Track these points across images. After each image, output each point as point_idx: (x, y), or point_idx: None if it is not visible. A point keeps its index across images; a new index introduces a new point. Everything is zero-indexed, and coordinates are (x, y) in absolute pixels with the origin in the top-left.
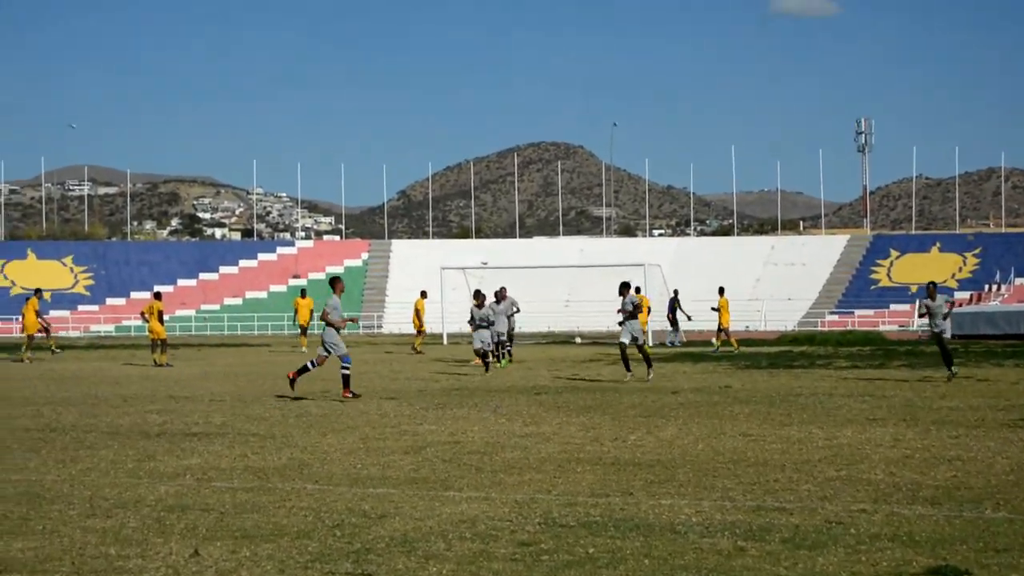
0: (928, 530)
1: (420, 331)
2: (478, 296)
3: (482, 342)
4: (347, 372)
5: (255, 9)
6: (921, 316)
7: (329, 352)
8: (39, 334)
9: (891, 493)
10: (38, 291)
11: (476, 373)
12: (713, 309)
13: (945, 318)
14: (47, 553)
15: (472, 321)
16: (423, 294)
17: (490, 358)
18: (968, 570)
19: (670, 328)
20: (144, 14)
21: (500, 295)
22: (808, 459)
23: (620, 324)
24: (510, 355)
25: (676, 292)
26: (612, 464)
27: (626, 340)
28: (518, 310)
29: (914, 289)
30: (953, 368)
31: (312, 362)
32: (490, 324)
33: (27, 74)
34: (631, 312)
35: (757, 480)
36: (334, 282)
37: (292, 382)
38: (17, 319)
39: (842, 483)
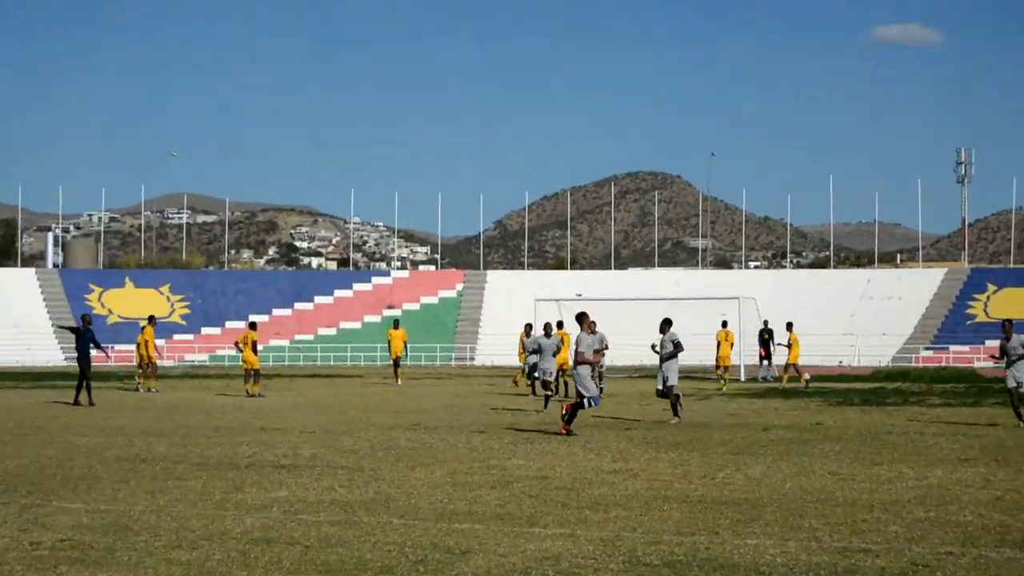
0: (1017, 574)
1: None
2: (547, 328)
3: (549, 374)
4: (582, 407)
5: (355, 42)
6: (997, 360)
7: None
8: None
9: (980, 536)
10: (151, 318)
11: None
12: (781, 345)
13: (1016, 361)
14: None
15: (540, 350)
16: (528, 327)
17: (551, 390)
18: None
19: (763, 362)
20: (245, 44)
21: (547, 330)
22: (897, 499)
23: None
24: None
25: (766, 323)
26: (699, 502)
27: (660, 385)
28: (607, 347)
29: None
30: (1019, 421)
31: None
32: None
33: (129, 102)
34: (671, 352)
35: (844, 520)
36: (581, 318)
37: (568, 430)
38: (113, 347)
39: (931, 524)
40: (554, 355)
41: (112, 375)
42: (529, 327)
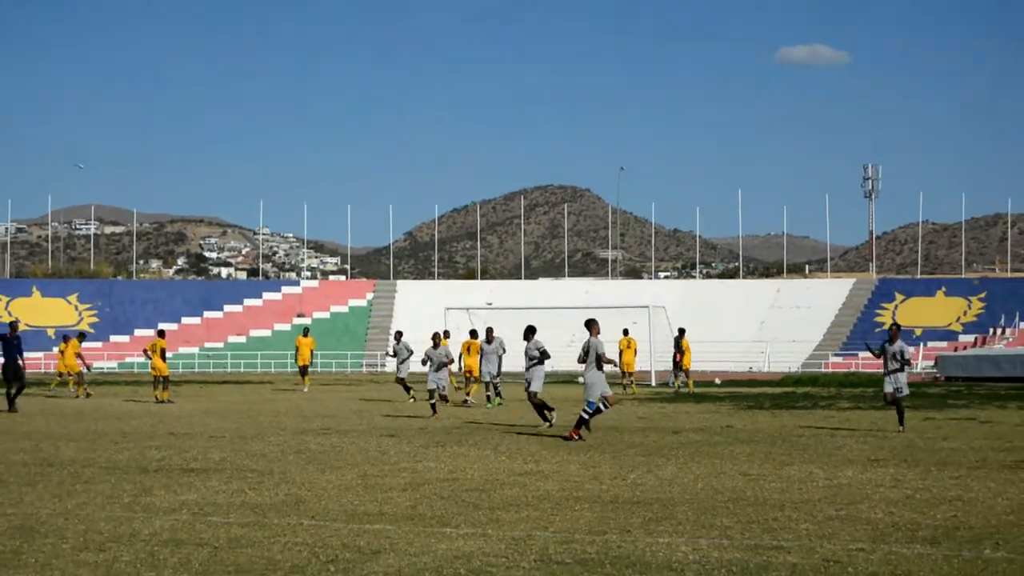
0: (926, 570)
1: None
2: (435, 338)
3: (436, 383)
4: (586, 416)
5: (261, 49)
6: (872, 352)
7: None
8: (84, 371)
9: (890, 533)
10: (82, 334)
11: (436, 414)
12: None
13: (902, 369)
14: None
15: (427, 361)
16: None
17: (436, 398)
18: None
19: (673, 368)
20: (151, 54)
21: (489, 334)
22: (808, 498)
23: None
24: (499, 395)
25: (682, 331)
26: (611, 502)
27: (525, 390)
28: (505, 351)
29: (919, 332)
30: (900, 427)
31: (598, 407)
32: (445, 365)
33: (34, 112)
34: (537, 360)
35: (756, 519)
36: (591, 324)
37: (581, 432)
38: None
39: (841, 522)
40: (441, 367)
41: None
42: (436, 337)
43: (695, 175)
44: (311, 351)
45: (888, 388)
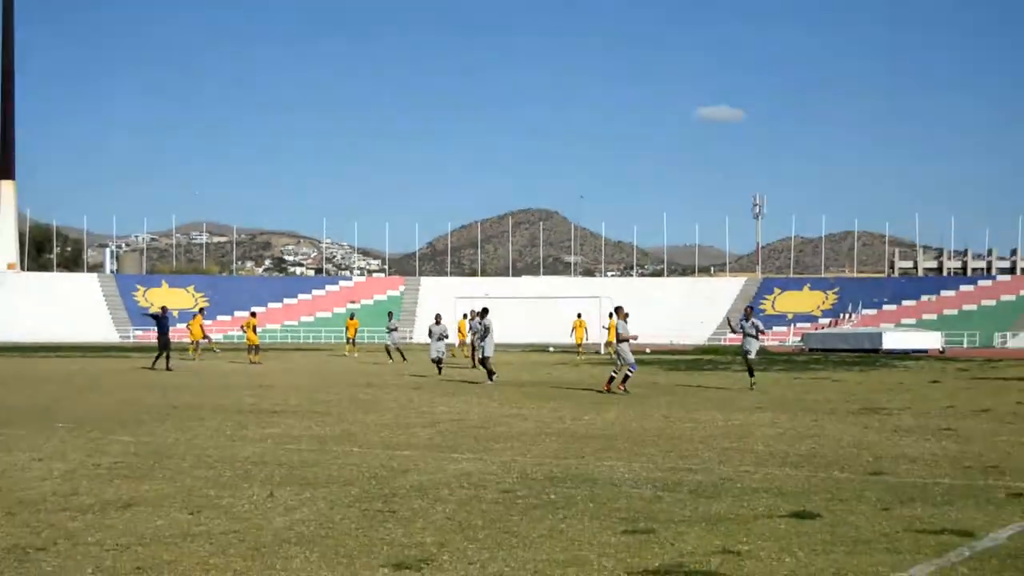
0: (793, 485)
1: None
2: (437, 317)
3: (438, 352)
4: (630, 375)
5: (327, 90)
6: (732, 331)
7: (620, 360)
8: (203, 340)
9: (768, 459)
10: (202, 310)
11: (430, 374)
12: (603, 328)
13: (756, 337)
14: (165, 493)
15: (431, 335)
16: (465, 315)
17: (443, 364)
18: (819, 513)
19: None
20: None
21: (484, 312)
22: (710, 434)
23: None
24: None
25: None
26: (571, 436)
27: (480, 355)
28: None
29: (791, 316)
30: (753, 381)
31: (615, 374)
32: (443, 338)
33: (164, 152)
34: (483, 333)
35: (673, 449)
36: (618, 310)
37: (611, 390)
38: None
39: (734, 452)
40: (441, 339)
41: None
42: (439, 317)
43: (634, 200)
44: (355, 328)
45: (745, 348)
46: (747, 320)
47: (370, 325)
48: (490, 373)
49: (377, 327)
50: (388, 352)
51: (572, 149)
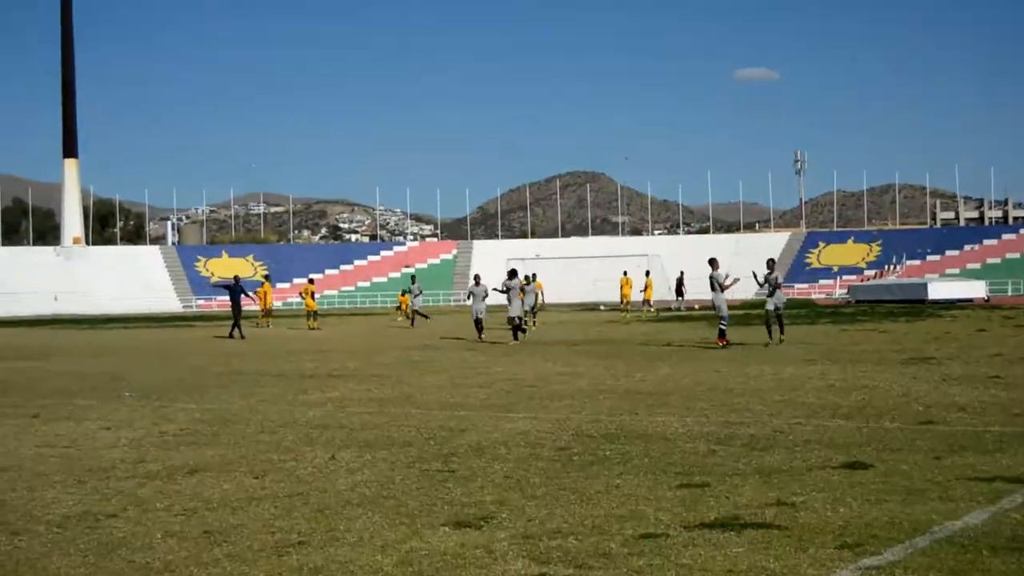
0: (844, 436)
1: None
2: (477, 279)
3: (478, 312)
4: (723, 328)
5: (375, 63)
6: (761, 286)
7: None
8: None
9: (818, 411)
10: (267, 276)
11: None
12: (640, 291)
13: (774, 291)
14: (230, 458)
15: (472, 296)
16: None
17: (522, 326)
18: (871, 464)
19: (676, 297)
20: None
21: (512, 274)
22: (761, 388)
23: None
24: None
25: (682, 273)
26: (624, 393)
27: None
28: (488, 293)
29: (836, 269)
30: (781, 336)
31: (721, 325)
32: (485, 297)
33: (222, 130)
34: (504, 291)
35: (725, 403)
36: (712, 261)
37: (726, 343)
38: (216, 299)
39: (784, 405)
40: (484, 299)
41: (207, 317)
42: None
43: (679, 160)
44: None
45: (770, 306)
46: (770, 272)
47: (430, 288)
48: (515, 330)
49: (432, 290)
50: (413, 316)
51: (616, 113)
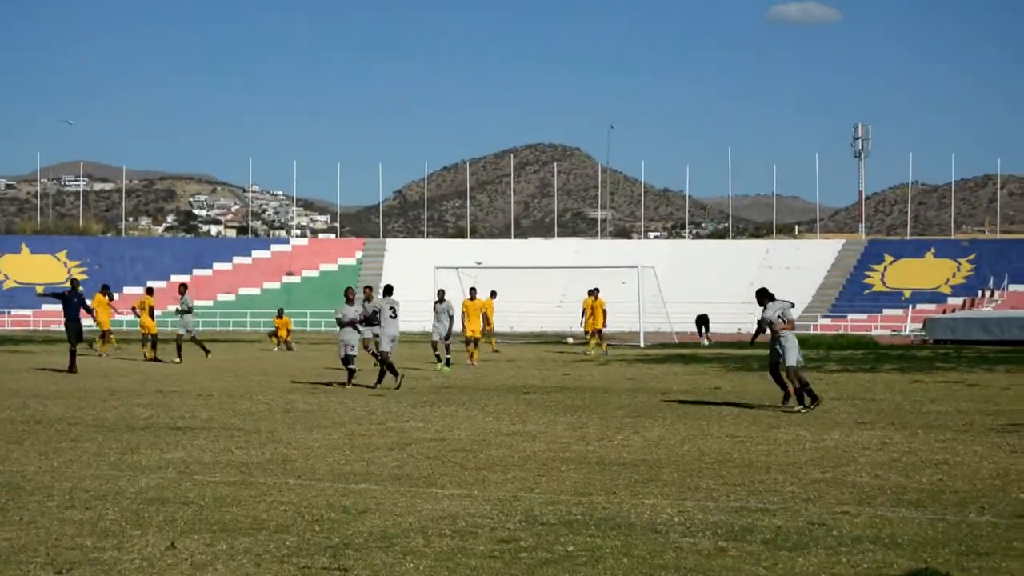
0: (911, 533)
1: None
2: (441, 295)
3: (439, 334)
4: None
5: (253, 6)
6: (761, 329)
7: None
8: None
9: (875, 496)
10: (106, 287)
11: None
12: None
13: (777, 340)
14: (23, 543)
15: (436, 313)
16: (493, 294)
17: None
18: (949, 573)
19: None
20: (142, 9)
21: (441, 295)
22: (794, 461)
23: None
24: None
25: (706, 317)
26: (597, 463)
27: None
28: (453, 314)
29: (907, 294)
30: (808, 405)
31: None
32: (451, 318)
33: (21, 68)
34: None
35: (741, 481)
36: (762, 293)
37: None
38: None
39: (827, 485)
40: (448, 318)
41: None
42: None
43: (685, 134)
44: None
45: (791, 361)
46: (764, 309)
47: (315, 306)
48: (390, 370)
49: (324, 309)
50: (179, 346)
51: (597, 65)
